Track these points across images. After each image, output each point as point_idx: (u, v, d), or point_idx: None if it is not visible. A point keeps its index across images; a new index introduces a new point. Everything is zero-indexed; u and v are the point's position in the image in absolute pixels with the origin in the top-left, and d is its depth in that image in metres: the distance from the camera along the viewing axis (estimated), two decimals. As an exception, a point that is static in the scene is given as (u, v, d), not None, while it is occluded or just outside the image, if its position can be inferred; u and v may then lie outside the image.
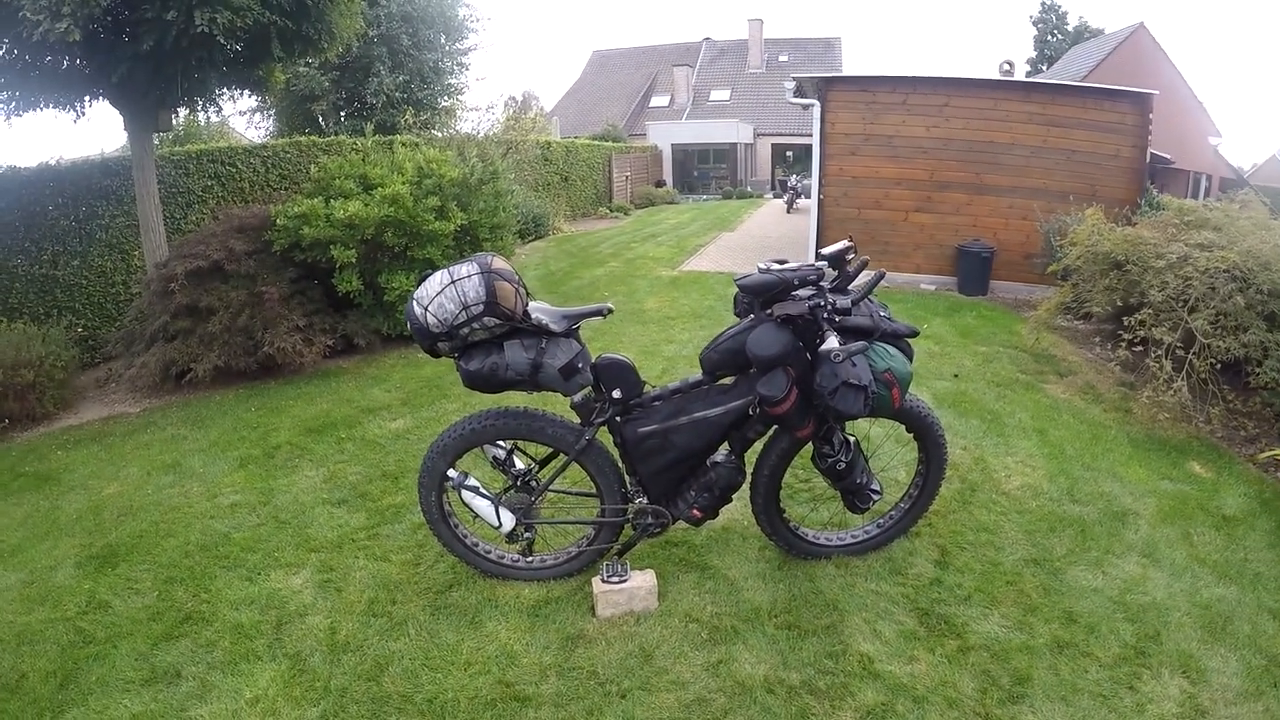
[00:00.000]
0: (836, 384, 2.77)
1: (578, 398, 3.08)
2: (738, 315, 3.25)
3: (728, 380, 3.20)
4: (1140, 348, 5.43)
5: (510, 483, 3.25)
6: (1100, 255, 6.54)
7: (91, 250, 7.60)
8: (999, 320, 8.43)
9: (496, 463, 3.24)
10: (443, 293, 2.81)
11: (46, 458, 5.36)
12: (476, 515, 3.21)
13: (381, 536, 3.84)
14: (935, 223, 10.41)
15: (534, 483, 3.28)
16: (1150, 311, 5.46)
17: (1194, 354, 5.12)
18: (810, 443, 3.19)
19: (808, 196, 22.39)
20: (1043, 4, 42.39)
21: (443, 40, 13.65)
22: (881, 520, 3.58)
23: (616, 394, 3.09)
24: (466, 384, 2.99)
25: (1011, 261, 10.04)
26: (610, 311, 3.17)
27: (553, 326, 2.98)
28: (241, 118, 14.65)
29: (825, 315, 2.91)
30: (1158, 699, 2.67)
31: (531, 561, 3.38)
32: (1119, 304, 6.13)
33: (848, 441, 3.20)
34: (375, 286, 7.06)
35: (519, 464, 3.29)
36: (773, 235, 15.86)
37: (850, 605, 3.15)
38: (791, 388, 2.87)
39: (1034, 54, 42.11)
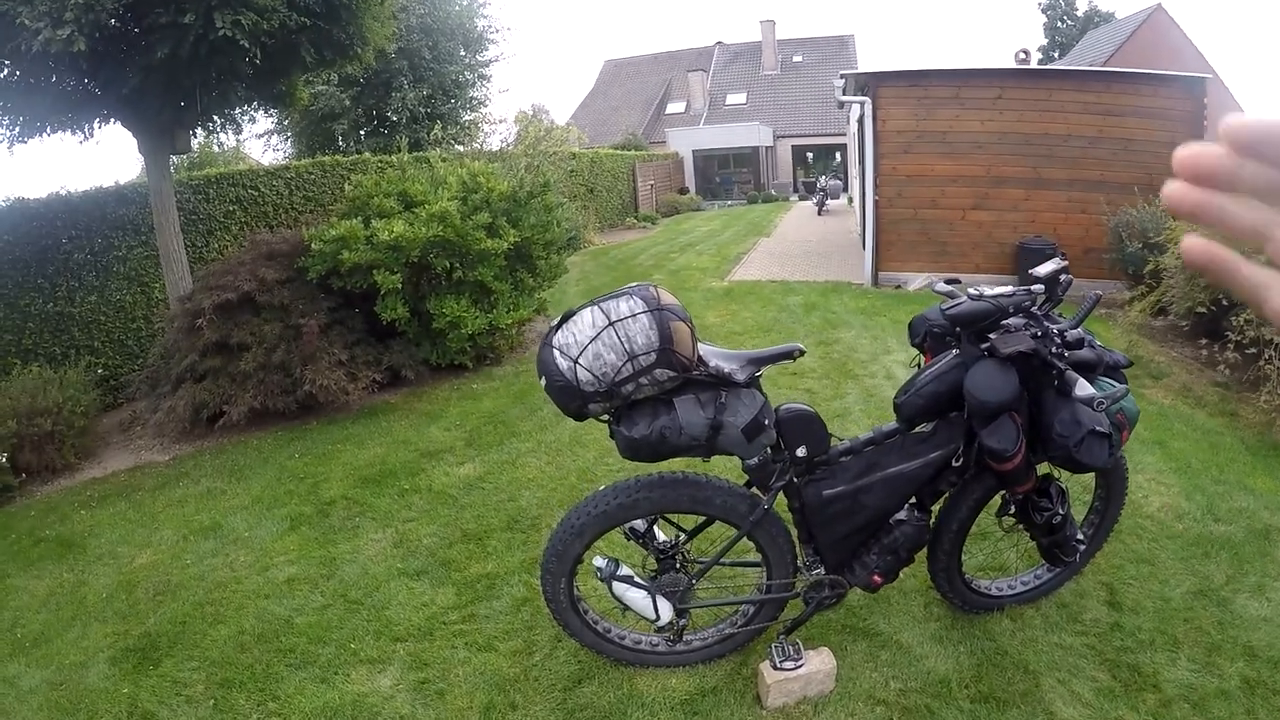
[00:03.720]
0: (1082, 433, 2.31)
1: (754, 460, 2.47)
2: (916, 346, 2.82)
3: (925, 428, 2.66)
4: (1252, 349, 5.19)
5: (659, 562, 2.64)
6: None
7: (109, 284, 7.06)
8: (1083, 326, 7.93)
9: (633, 535, 2.62)
10: (599, 339, 2.16)
11: (69, 518, 4.77)
12: (626, 608, 2.59)
13: (478, 618, 3.21)
14: (994, 220, 9.91)
15: (680, 558, 2.68)
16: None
17: None
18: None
19: (834, 197, 21.97)
20: (1050, -11, 42.07)
21: (462, 53, 13.16)
22: (1052, 565, 3.11)
23: (801, 452, 2.49)
24: (626, 454, 2.33)
25: (1071, 257, 9.30)
26: (803, 353, 2.55)
27: (737, 375, 2.35)
28: (258, 141, 14.19)
29: (1053, 351, 2.39)
30: None
31: (674, 645, 2.78)
32: (1223, 302, 5.83)
33: (1063, 491, 2.73)
34: (421, 313, 6.48)
35: (660, 535, 2.68)
36: (812, 239, 15.28)
37: (1039, 664, 2.80)
38: (1021, 439, 2.36)
39: (1045, 41, 41.78)
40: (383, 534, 4.06)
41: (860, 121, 10.95)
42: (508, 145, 11.31)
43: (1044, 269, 2.61)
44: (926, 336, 2.74)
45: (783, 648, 2.64)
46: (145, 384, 6.28)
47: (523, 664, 2.88)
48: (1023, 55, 28.97)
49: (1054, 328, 2.49)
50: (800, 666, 2.60)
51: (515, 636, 3.06)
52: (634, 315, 2.16)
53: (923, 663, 2.81)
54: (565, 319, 2.25)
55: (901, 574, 2.83)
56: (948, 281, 2.76)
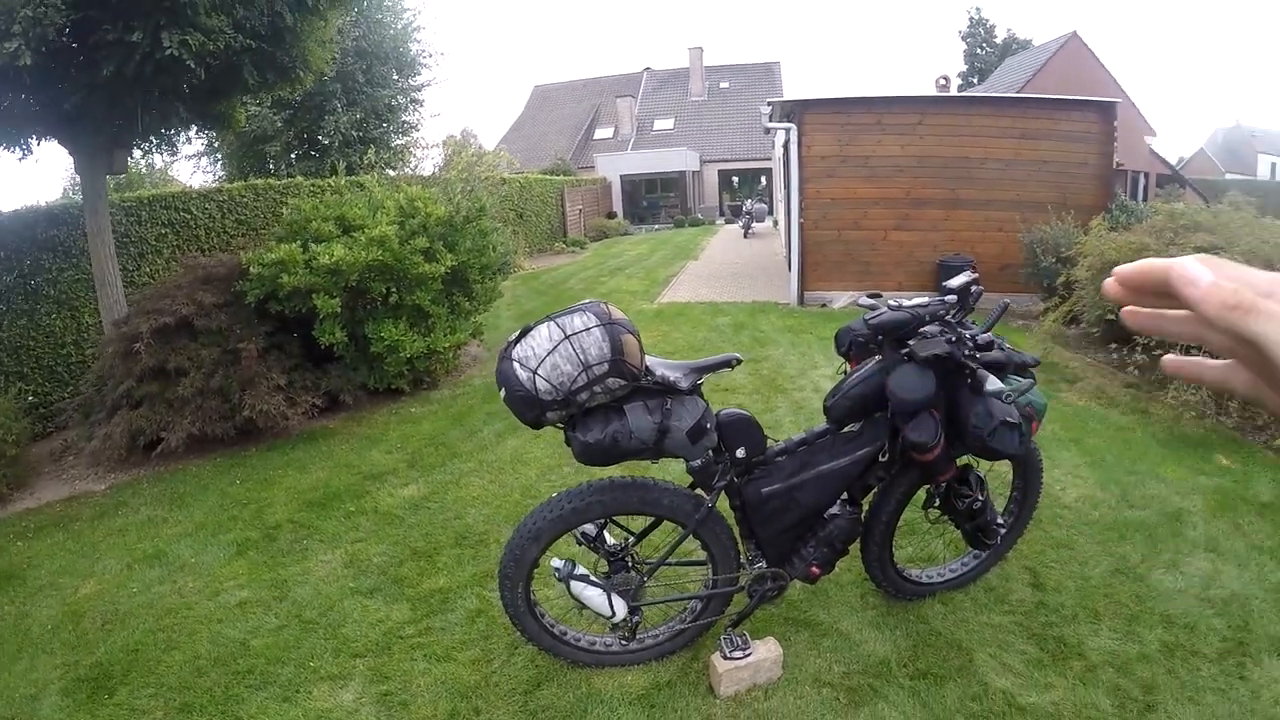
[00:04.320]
0: (994, 424, 2.56)
1: (698, 461, 2.64)
2: (842, 354, 3.03)
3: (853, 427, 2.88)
4: (1159, 351, 5.54)
5: (610, 564, 2.77)
6: (1109, 265, 6.58)
7: (39, 308, 6.84)
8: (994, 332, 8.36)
9: (585, 539, 2.76)
10: (555, 351, 2.30)
11: (4, 550, 4.64)
12: (584, 607, 2.72)
13: (435, 630, 3.28)
14: (915, 239, 10.33)
15: (630, 558, 2.82)
16: (1162, 316, 5.52)
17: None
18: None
19: (760, 220, 22.45)
20: (971, 19, 43.85)
21: (395, 77, 13.16)
22: (977, 550, 3.37)
23: (740, 453, 2.68)
24: (582, 458, 2.48)
25: (989, 273, 9.96)
26: (740, 361, 2.74)
27: (681, 383, 2.53)
28: (187, 163, 13.93)
29: (966, 353, 2.65)
30: (1268, 683, 2.78)
31: (628, 644, 2.91)
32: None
33: (981, 479, 3.02)
34: (358, 337, 6.48)
35: (609, 539, 2.82)
36: (739, 261, 15.68)
37: (971, 642, 3.03)
38: (940, 432, 2.60)
39: (965, 67, 43.41)
40: (332, 555, 4.08)
41: (786, 147, 11.27)
42: (438, 170, 11.34)
43: (956, 281, 2.86)
44: (851, 345, 2.96)
45: (731, 639, 2.80)
46: (78, 412, 6.12)
47: (482, 671, 2.96)
48: (943, 81, 30.20)
49: (967, 333, 2.74)
50: (749, 656, 2.76)
51: (472, 646, 3.13)
52: (588, 329, 2.32)
53: (862, 647, 3.00)
54: (524, 333, 2.39)
55: (838, 567, 3.03)
56: (870, 296, 2.98)
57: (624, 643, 2.89)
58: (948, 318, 2.78)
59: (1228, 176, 35.11)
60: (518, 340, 2.38)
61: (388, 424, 6.28)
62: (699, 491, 2.77)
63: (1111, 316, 6.42)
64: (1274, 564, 3.57)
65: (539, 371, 2.29)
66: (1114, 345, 6.33)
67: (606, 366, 2.32)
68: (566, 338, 2.31)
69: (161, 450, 5.62)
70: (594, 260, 17.08)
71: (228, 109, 6.47)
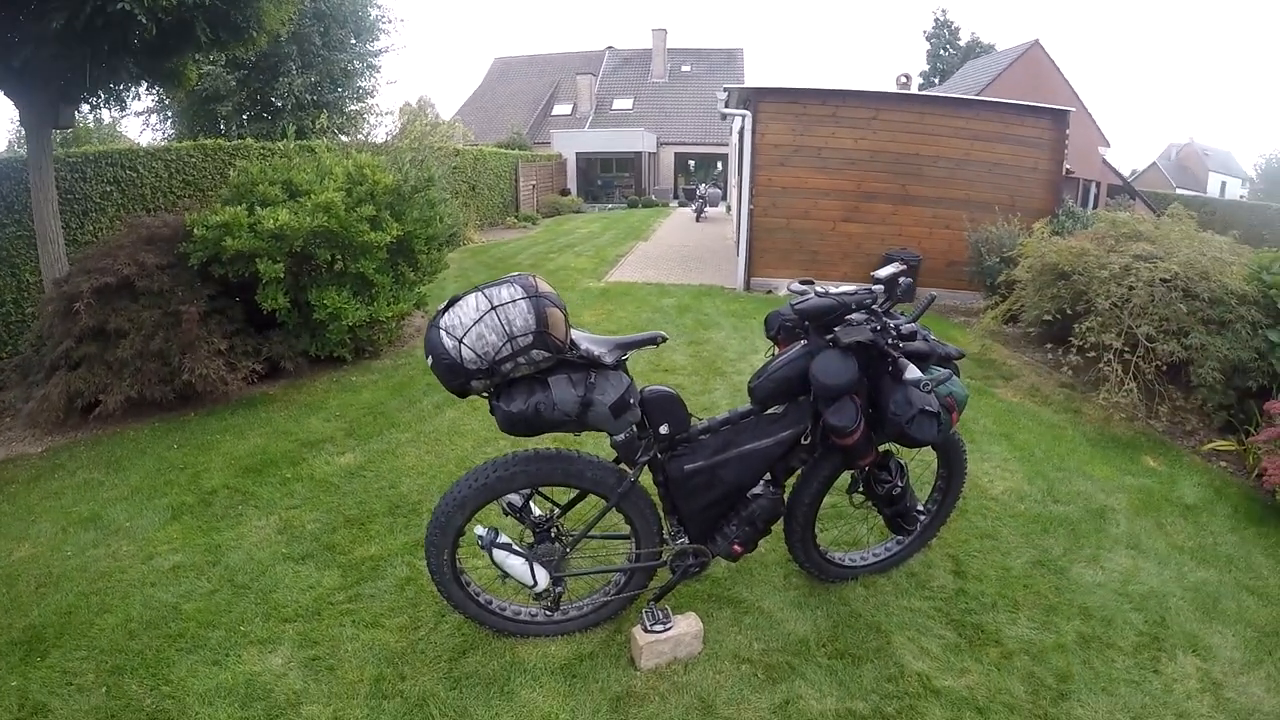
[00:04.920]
0: (913, 412, 2.69)
1: (621, 436, 2.72)
2: (771, 338, 3.15)
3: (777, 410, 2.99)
4: (1093, 353, 5.74)
5: (535, 535, 2.85)
6: (1048, 267, 6.78)
7: (-24, 265, 6.63)
8: (935, 327, 8.56)
9: (511, 509, 2.83)
10: (481, 321, 2.37)
11: (-64, 512, 4.55)
12: (507, 575, 2.79)
13: (364, 597, 3.32)
14: (863, 232, 10.51)
15: (555, 530, 2.90)
16: (1098, 319, 5.80)
17: (1139, 357, 5.52)
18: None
19: (714, 205, 22.58)
20: (936, 20, 44.51)
21: (353, 41, 12.94)
22: (901, 536, 3.50)
23: (664, 429, 2.77)
24: (505, 428, 2.56)
25: (935, 269, 10.23)
26: (664, 339, 2.82)
27: (606, 358, 2.60)
28: (136, 119, 13.58)
29: (889, 342, 2.75)
30: (1180, 678, 2.90)
31: (552, 615, 3.00)
32: (1067, 311, 6.45)
33: (901, 466, 3.14)
34: (301, 304, 6.43)
35: (536, 510, 2.90)
36: (689, 245, 15.79)
37: (890, 625, 3.12)
38: (860, 417, 2.71)
39: (927, 67, 44.01)
40: (266, 521, 4.09)
41: (740, 134, 11.34)
42: (391, 138, 11.23)
43: (884, 271, 3.00)
44: (780, 329, 3.07)
45: (653, 613, 2.90)
46: (16, 372, 5.99)
47: (409, 638, 3.03)
48: (904, 79, 30.38)
49: (891, 323, 2.85)
50: (670, 629, 2.85)
51: (401, 613, 3.19)
52: (514, 301, 2.40)
53: (783, 625, 3.10)
54: (452, 303, 2.46)
55: (762, 547, 3.16)
56: (801, 282, 3.07)
57: (549, 613, 2.98)
58: (874, 307, 2.88)
59: (1179, 191, 36.06)
60: (446, 309, 2.45)
61: (328, 392, 6.26)
62: (623, 466, 2.85)
63: (1049, 317, 6.62)
64: (1194, 563, 3.73)
65: (464, 340, 2.37)
66: (1050, 345, 6.53)
67: (531, 338, 2.40)
68: (493, 308, 2.38)
69: (99, 413, 5.53)
70: (545, 236, 17.03)
71: (179, 66, 6.32)
